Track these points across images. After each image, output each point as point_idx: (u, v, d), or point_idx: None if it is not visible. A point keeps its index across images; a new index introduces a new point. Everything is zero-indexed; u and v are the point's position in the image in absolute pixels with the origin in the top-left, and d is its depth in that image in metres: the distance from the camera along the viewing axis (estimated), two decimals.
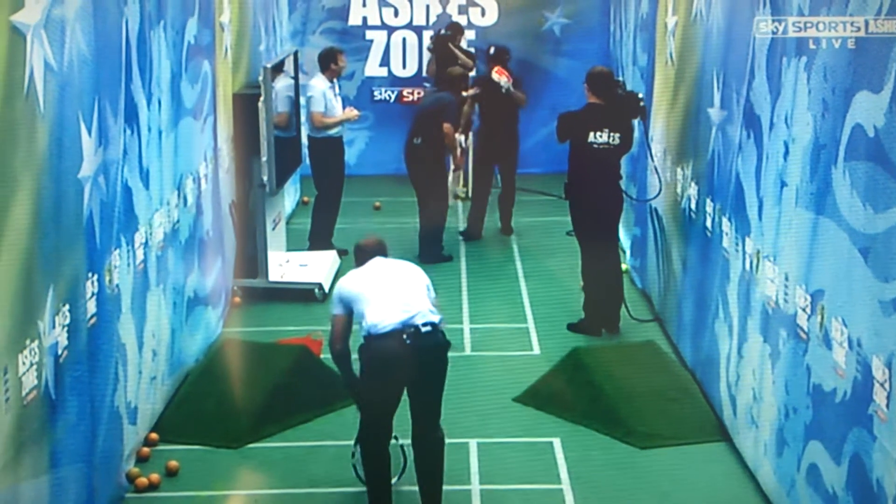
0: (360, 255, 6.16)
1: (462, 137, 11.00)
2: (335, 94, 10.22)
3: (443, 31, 12.58)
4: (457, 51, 12.23)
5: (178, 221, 7.25)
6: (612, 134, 8.25)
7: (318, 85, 10.13)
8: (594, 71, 8.55)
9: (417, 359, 5.67)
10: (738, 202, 6.46)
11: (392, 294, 5.78)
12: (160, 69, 6.77)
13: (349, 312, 5.88)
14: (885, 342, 4.37)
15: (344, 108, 10.35)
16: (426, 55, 13.18)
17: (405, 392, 5.85)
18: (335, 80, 10.25)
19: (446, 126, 10.11)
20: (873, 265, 4.49)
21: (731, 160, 6.65)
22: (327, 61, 10.20)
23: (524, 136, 13.53)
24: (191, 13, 7.55)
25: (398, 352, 5.63)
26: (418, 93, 13.34)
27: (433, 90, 10.86)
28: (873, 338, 4.48)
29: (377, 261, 6.10)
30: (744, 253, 6.37)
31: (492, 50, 11.09)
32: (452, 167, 10.82)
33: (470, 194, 11.34)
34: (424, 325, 5.68)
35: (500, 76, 10.72)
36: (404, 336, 5.64)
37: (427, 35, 13.21)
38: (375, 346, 5.67)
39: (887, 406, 4.35)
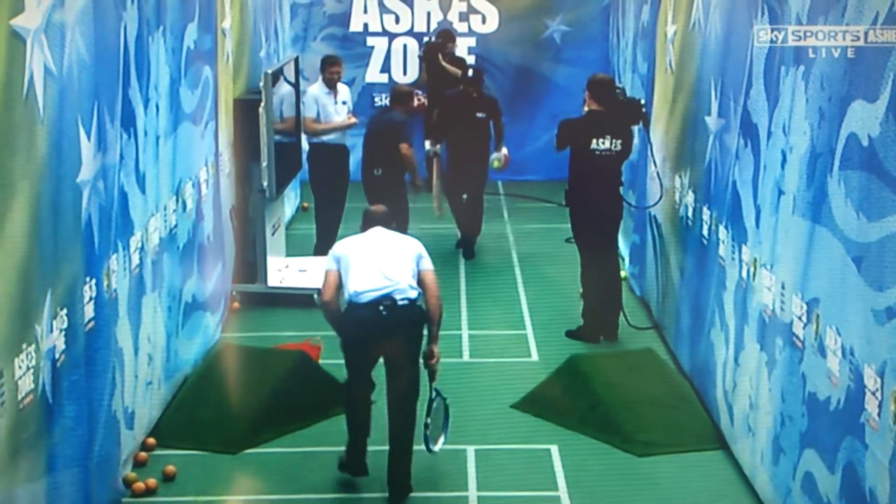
0: (365, 220, 6.55)
1: (437, 147, 10.58)
2: (334, 101, 10.23)
3: (433, 39, 12.59)
4: (443, 62, 12.14)
5: (175, 226, 7.27)
6: (614, 141, 8.26)
7: (312, 90, 10.21)
8: (596, 78, 8.56)
9: (392, 329, 6.08)
10: (735, 210, 6.47)
11: (377, 267, 6.16)
12: (159, 74, 6.79)
13: (339, 270, 6.28)
14: (877, 351, 4.38)
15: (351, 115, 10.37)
16: (418, 63, 13.21)
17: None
18: (335, 87, 10.26)
19: (404, 147, 9.54)
20: (866, 274, 4.50)
21: (728, 168, 6.67)
22: (321, 68, 10.30)
23: (525, 144, 13.61)
24: (191, 18, 7.57)
25: (374, 321, 6.06)
26: (418, 100, 13.36)
27: (383, 109, 10.25)
28: (866, 346, 4.49)
29: (377, 231, 6.44)
30: (740, 261, 6.38)
31: (470, 72, 10.77)
32: (414, 189, 10.09)
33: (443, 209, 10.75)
34: (402, 299, 6.08)
35: (506, 161, 10.51)
36: (381, 308, 6.05)
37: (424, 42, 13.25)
38: (354, 313, 6.14)
39: (879, 415, 4.36)
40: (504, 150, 10.57)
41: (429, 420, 6.36)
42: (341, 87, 10.46)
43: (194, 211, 7.77)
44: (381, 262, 6.18)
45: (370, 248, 6.30)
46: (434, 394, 6.44)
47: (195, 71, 7.70)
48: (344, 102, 10.36)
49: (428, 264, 6.34)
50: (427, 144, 10.56)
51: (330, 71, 10.23)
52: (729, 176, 6.62)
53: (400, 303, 6.08)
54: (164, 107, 6.93)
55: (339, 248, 6.37)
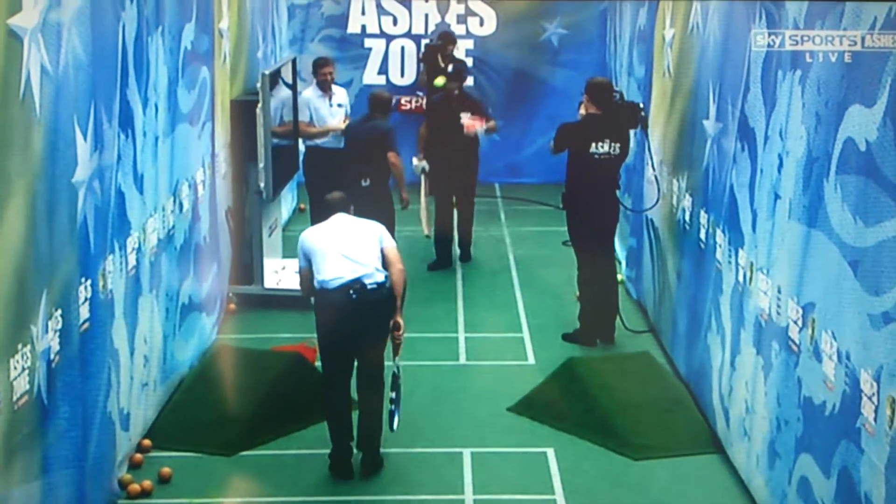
0: (325, 208, 6.75)
1: (424, 163, 10.02)
2: (329, 104, 10.20)
3: (433, 41, 12.59)
4: (442, 64, 12.10)
5: (173, 227, 7.26)
6: (612, 144, 8.26)
7: (306, 94, 10.21)
8: (594, 81, 8.55)
9: (362, 311, 6.33)
10: (732, 214, 6.47)
11: (343, 255, 6.40)
12: (157, 74, 6.78)
13: (311, 264, 6.49)
14: (873, 355, 4.38)
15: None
16: (416, 64, 13.20)
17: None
18: (328, 89, 10.23)
19: (392, 156, 9.20)
20: (863, 279, 4.50)
21: (725, 172, 6.67)
22: (313, 70, 10.32)
23: (522, 147, 13.62)
24: (188, 19, 7.56)
25: (344, 304, 6.31)
26: (416, 101, 13.36)
27: (363, 117, 9.58)
28: (862, 351, 4.49)
29: (338, 218, 6.65)
30: (737, 265, 6.38)
31: (450, 67, 10.59)
32: (402, 203, 9.69)
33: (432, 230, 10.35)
34: (370, 284, 6.35)
35: (469, 129, 10.00)
36: (350, 291, 6.30)
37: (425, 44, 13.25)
38: (325, 298, 6.40)
39: (875, 420, 4.36)
40: (480, 123, 10.01)
41: (393, 395, 6.59)
42: (337, 89, 10.43)
43: (191, 212, 7.76)
44: (347, 249, 6.42)
45: (335, 236, 6.50)
46: (397, 369, 6.61)
47: (192, 71, 7.69)
48: (340, 105, 10.32)
49: (390, 241, 6.63)
50: (414, 160, 10.11)
51: (322, 73, 10.20)
52: (726, 180, 6.63)
53: (369, 286, 6.34)
54: (161, 107, 6.92)
55: (306, 242, 6.54)
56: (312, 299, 6.68)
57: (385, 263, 6.49)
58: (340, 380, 6.50)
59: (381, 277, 6.40)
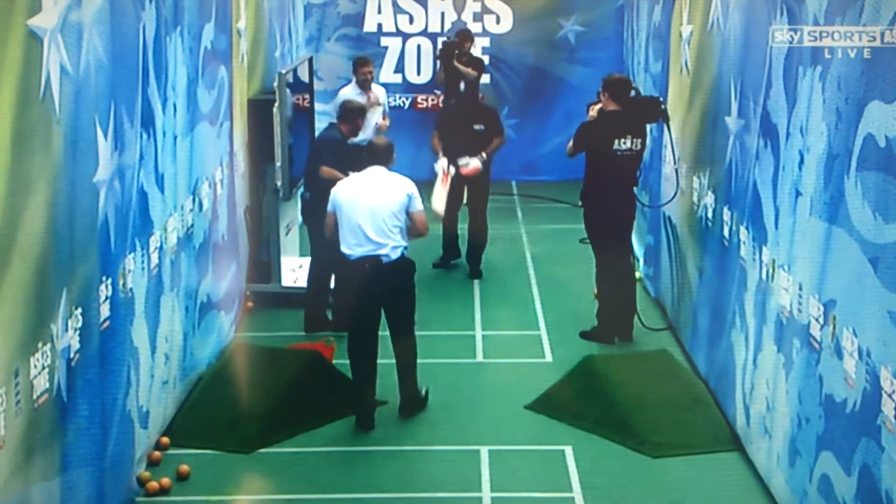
0: (368, 154, 7.14)
1: (445, 162, 9.25)
2: (367, 102, 10.07)
3: (451, 39, 12.59)
4: (456, 63, 11.98)
5: (192, 226, 7.28)
6: (634, 140, 8.24)
7: (344, 92, 10.36)
8: (613, 78, 8.52)
9: (379, 281, 6.88)
10: (755, 211, 6.44)
11: (364, 227, 6.85)
12: (176, 74, 6.80)
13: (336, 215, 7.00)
14: (893, 353, 4.36)
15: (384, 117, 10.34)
16: (432, 62, 13.21)
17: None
18: (368, 88, 10.28)
19: (325, 170, 8.35)
20: (883, 275, 4.48)
21: (748, 169, 6.64)
22: (353, 69, 10.41)
23: (539, 144, 13.61)
24: (207, 18, 7.58)
25: (360, 276, 6.87)
26: (433, 99, 13.36)
27: (330, 126, 8.89)
28: (882, 348, 4.47)
29: (373, 174, 7.02)
30: (760, 262, 6.35)
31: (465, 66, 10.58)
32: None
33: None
34: (386, 259, 6.86)
35: (469, 174, 9.59)
36: (367, 265, 6.85)
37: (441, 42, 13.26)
38: (345, 266, 6.99)
39: (895, 417, 4.34)
40: (476, 161, 9.68)
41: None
42: (376, 88, 10.49)
43: (210, 210, 7.78)
44: (368, 222, 6.85)
45: (362, 201, 6.89)
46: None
47: (211, 71, 7.72)
48: (379, 103, 10.36)
49: (418, 206, 7.01)
50: (438, 165, 9.39)
51: (362, 72, 10.27)
52: (749, 177, 6.59)
53: (384, 262, 6.86)
54: (181, 107, 6.94)
55: (337, 196, 7.01)
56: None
57: (409, 222, 6.98)
58: (364, 331, 7.03)
59: (395, 254, 6.88)
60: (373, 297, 6.96)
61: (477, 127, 9.89)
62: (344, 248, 6.94)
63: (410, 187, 7.03)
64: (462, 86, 11.90)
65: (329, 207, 7.06)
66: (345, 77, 12.29)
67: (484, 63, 12.38)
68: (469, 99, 10.80)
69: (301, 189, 9.42)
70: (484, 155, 9.81)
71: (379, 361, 7.14)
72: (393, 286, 6.98)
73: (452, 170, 9.40)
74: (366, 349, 7.05)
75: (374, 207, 6.89)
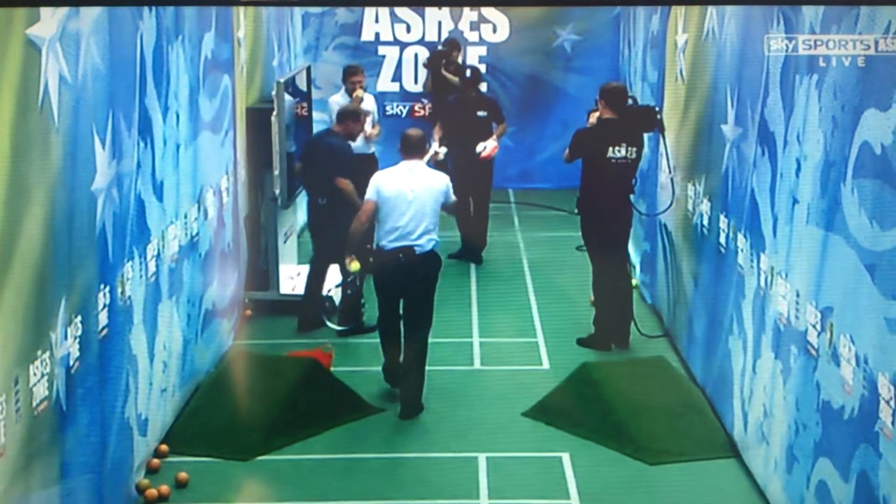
0: (403, 146, 7.40)
1: (442, 149, 10.09)
2: None
3: (439, 48, 12.61)
4: (443, 71, 12.03)
5: (197, 234, 7.30)
6: (629, 148, 8.27)
7: (334, 100, 10.30)
8: (609, 86, 8.55)
9: (409, 272, 7.22)
10: (753, 218, 6.46)
11: (401, 222, 7.17)
12: (178, 83, 6.82)
13: (376, 203, 7.28)
14: (890, 359, 4.38)
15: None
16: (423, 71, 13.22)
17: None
18: (356, 96, 10.26)
19: (340, 181, 8.58)
20: (880, 282, 4.50)
21: (745, 177, 6.66)
22: (343, 78, 10.38)
23: (535, 152, 13.63)
24: (208, 28, 7.60)
25: (393, 266, 7.21)
26: (429, 108, 13.38)
27: (324, 131, 9.08)
28: (880, 355, 4.49)
29: (414, 167, 7.33)
30: (758, 269, 6.37)
31: (468, 72, 10.75)
32: None
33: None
34: (419, 247, 7.19)
35: (488, 156, 10.21)
36: (400, 255, 7.18)
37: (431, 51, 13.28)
38: (378, 256, 7.32)
39: (892, 423, 4.35)
40: (491, 141, 10.29)
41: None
42: (365, 96, 10.48)
43: (216, 219, 7.80)
44: (406, 217, 7.17)
45: (400, 195, 7.20)
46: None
47: (213, 80, 7.74)
48: (368, 112, 10.35)
49: (452, 196, 7.42)
50: (434, 151, 10.02)
51: (351, 80, 10.25)
52: (747, 184, 6.61)
53: (417, 251, 7.19)
54: (183, 116, 6.96)
55: (380, 188, 7.26)
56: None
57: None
58: (389, 313, 7.48)
59: (430, 245, 7.24)
60: (398, 287, 7.30)
61: (480, 113, 10.46)
62: (379, 241, 7.25)
63: (447, 178, 7.44)
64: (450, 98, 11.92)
65: (369, 195, 7.28)
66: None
67: (480, 72, 12.39)
68: (471, 86, 10.82)
69: (300, 192, 9.46)
70: (495, 136, 10.41)
71: (374, 369, 7.18)
72: (420, 276, 7.25)
73: (443, 150, 10.15)
74: (392, 326, 7.48)
75: (419, 199, 7.21)
